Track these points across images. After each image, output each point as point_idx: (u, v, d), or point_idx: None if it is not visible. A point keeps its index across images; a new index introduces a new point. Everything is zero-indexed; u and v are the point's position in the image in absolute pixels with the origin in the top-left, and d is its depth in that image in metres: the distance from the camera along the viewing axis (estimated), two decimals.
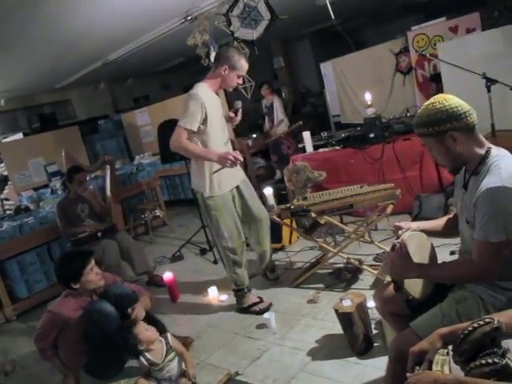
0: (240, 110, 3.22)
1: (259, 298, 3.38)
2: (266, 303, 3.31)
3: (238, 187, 3.30)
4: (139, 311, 2.68)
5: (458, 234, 1.88)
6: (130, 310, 2.67)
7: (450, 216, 1.98)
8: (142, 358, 2.49)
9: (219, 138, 3.14)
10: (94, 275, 2.72)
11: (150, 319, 2.76)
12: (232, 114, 3.26)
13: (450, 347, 1.28)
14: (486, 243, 1.56)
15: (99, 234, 4.09)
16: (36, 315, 4.32)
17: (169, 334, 2.62)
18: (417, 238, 1.82)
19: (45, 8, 4.17)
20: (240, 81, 3.12)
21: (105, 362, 2.72)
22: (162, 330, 2.71)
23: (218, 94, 3.26)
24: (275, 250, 4.12)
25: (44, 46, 5.52)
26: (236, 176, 3.27)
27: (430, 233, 1.94)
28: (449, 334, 1.31)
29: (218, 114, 3.15)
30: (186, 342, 2.93)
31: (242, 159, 2.96)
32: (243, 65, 3.04)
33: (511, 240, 1.51)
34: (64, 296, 2.79)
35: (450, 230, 1.94)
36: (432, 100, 1.68)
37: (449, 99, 1.64)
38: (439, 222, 1.98)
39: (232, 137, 3.29)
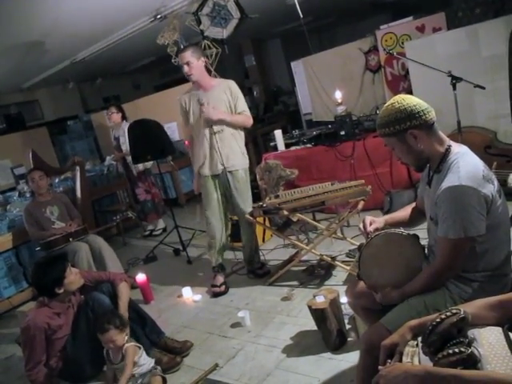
0: (202, 104, 3.34)
1: (222, 284, 3.64)
2: (218, 291, 3.60)
3: (223, 176, 3.49)
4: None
5: (421, 222, 1.99)
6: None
7: (413, 206, 2.06)
8: (105, 350, 2.56)
9: (202, 129, 3.44)
10: (74, 275, 2.70)
11: (134, 314, 2.82)
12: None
13: (420, 339, 1.31)
14: (446, 240, 1.62)
15: (70, 238, 4.02)
16: (4, 322, 4.22)
17: (129, 345, 2.54)
18: (375, 246, 1.85)
19: (10, 4, 4.06)
20: (184, 69, 3.38)
21: (83, 361, 2.67)
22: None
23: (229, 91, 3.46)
24: None
25: (9, 45, 5.37)
26: (216, 165, 3.45)
27: (397, 225, 2.01)
28: (418, 326, 1.34)
29: (196, 108, 3.43)
30: (185, 345, 2.88)
31: None
32: (179, 58, 3.47)
33: (469, 236, 1.58)
34: (37, 306, 2.72)
35: (414, 220, 2.04)
36: (391, 101, 1.73)
37: (407, 99, 1.69)
38: (404, 214, 2.06)
39: (220, 128, 3.44)
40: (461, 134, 3.39)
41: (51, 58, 6.54)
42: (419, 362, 1.26)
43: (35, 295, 4.32)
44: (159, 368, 2.62)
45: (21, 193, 6.01)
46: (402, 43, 5.17)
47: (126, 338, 2.54)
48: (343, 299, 2.63)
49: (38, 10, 4.35)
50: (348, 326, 2.65)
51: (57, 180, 6.05)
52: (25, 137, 7.51)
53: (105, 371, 2.64)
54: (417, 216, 2.03)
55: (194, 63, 3.34)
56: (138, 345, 2.60)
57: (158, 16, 5.35)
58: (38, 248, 4.10)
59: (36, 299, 2.93)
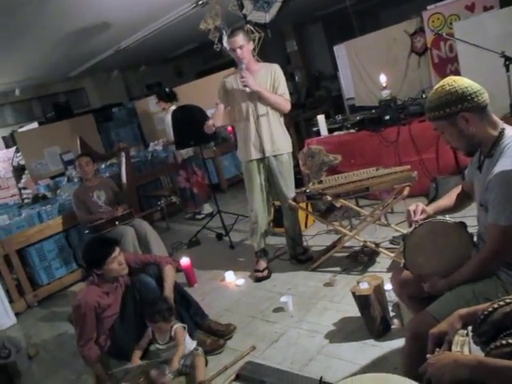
0: (242, 72, 3.31)
1: (265, 268, 3.66)
2: (260, 276, 3.63)
3: (267, 160, 3.49)
4: None
5: (467, 205, 1.97)
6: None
7: (459, 191, 2.00)
8: (149, 329, 2.64)
9: (244, 111, 3.45)
10: (116, 264, 2.74)
11: (179, 297, 2.89)
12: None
13: (470, 328, 1.28)
14: (496, 226, 1.57)
15: (116, 222, 4.14)
16: (56, 301, 4.43)
17: (177, 325, 2.62)
18: (419, 235, 1.81)
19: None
20: (236, 53, 3.33)
21: (130, 340, 2.76)
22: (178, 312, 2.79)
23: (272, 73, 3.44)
24: None
25: (56, 36, 5.54)
26: (261, 148, 3.45)
27: (444, 211, 1.97)
28: (468, 315, 1.31)
29: (241, 90, 3.40)
30: (229, 328, 2.94)
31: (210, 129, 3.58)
32: (229, 42, 3.37)
33: None
34: (87, 285, 2.82)
35: (459, 205, 2.00)
36: (441, 83, 1.67)
37: (458, 80, 1.63)
38: (449, 201, 2.01)
39: (265, 111, 3.43)
40: None
41: (96, 47, 6.71)
42: (469, 351, 1.23)
43: (84, 276, 4.51)
44: (201, 349, 2.67)
45: (69, 178, 6.25)
46: (451, 24, 4.97)
47: (173, 320, 2.61)
48: (387, 286, 2.59)
49: (83, 1, 4.46)
50: (392, 314, 2.62)
51: (103, 166, 6.24)
52: (72, 124, 7.74)
53: (151, 350, 2.72)
54: (462, 200, 1.99)
55: (246, 47, 3.34)
56: (184, 325, 2.67)
57: (200, 2, 5.36)
58: (87, 231, 4.26)
59: (85, 280, 3.04)
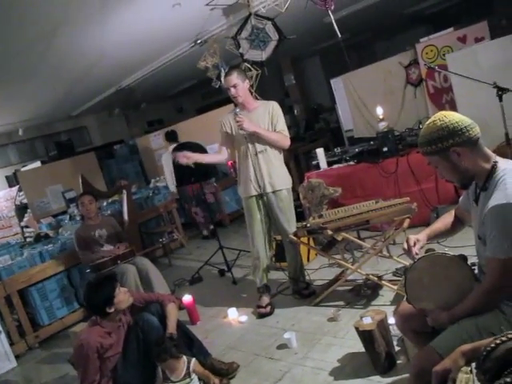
0: (236, 117, 3.38)
1: (268, 304, 3.62)
2: (263, 312, 3.58)
3: (266, 196, 3.50)
4: None
5: (460, 230, 2.02)
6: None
7: (452, 217, 2.03)
8: (159, 370, 2.61)
9: (245, 149, 3.48)
10: (123, 294, 2.76)
11: (182, 335, 2.85)
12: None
13: (474, 365, 1.26)
14: (495, 260, 1.57)
15: (118, 260, 4.12)
16: (57, 342, 4.36)
17: (193, 360, 2.63)
18: (419, 269, 1.81)
19: (59, 39, 4.29)
20: (231, 92, 3.43)
21: (134, 381, 2.71)
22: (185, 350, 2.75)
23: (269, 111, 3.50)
24: None
25: (59, 76, 5.67)
26: (260, 185, 3.46)
27: (438, 236, 2.02)
28: (471, 351, 1.29)
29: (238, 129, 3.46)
30: (232, 367, 2.90)
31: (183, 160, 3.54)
32: (224, 80, 3.51)
33: None
34: (89, 325, 2.78)
35: (454, 230, 2.03)
36: (432, 118, 1.70)
37: (449, 115, 1.66)
38: (443, 224, 2.03)
39: (263, 148, 3.47)
40: (510, 146, 3.28)
41: (98, 86, 6.85)
42: None
43: (86, 316, 4.46)
44: None
45: (71, 216, 6.26)
46: (444, 55, 5.08)
47: (184, 357, 2.60)
48: (391, 320, 2.55)
49: (84, 41, 4.58)
50: (397, 348, 2.57)
51: (105, 203, 6.26)
52: (74, 162, 7.82)
53: None
54: (456, 225, 2.01)
55: (240, 85, 3.41)
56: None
57: (198, 41, 5.50)
58: (88, 270, 4.24)
59: (87, 320, 3.01)
